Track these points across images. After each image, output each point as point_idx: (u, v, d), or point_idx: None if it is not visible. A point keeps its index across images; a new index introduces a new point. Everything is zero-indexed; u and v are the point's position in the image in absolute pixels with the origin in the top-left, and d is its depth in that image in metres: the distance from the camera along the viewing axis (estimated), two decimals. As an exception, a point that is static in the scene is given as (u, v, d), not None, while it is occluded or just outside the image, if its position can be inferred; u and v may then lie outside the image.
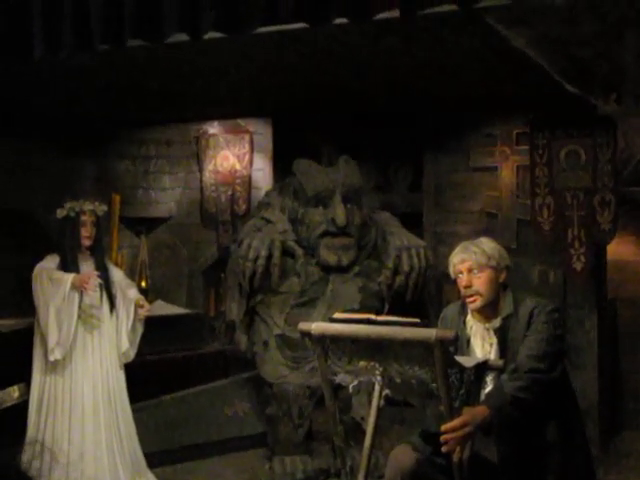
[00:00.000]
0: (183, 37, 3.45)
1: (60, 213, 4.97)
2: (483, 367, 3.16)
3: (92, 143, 7.30)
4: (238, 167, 7.37)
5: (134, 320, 5.06)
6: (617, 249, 6.20)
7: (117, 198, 6.46)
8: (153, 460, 5.24)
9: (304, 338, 3.18)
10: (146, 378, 5.72)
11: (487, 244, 3.42)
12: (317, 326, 3.11)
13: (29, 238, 6.17)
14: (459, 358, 3.13)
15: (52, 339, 4.75)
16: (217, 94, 6.09)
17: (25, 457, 4.28)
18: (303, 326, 3.14)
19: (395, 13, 3.22)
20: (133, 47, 3.62)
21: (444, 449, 2.96)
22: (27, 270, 4.91)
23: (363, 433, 3.58)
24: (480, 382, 3.16)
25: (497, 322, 3.33)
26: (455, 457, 2.96)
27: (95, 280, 4.85)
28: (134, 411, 5.15)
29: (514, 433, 3.13)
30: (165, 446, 5.62)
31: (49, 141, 6.71)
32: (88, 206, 4.99)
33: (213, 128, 7.40)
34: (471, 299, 3.34)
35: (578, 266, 5.68)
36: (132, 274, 6.86)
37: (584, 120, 5.62)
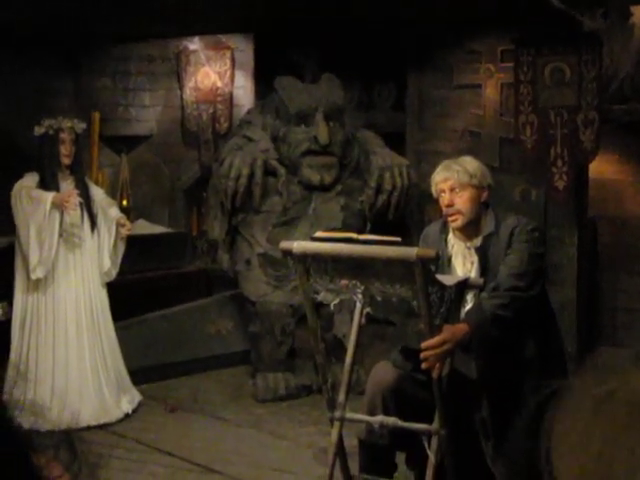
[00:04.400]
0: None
1: (38, 131, 4.89)
2: (463, 285, 3.18)
3: (69, 58, 7.13)
4: (219, 84, 7.24)
5: (116, 239, 5.04)
6: (599, 167, 6.20)
7: (96, 115, 6.38)
8: (137, 377, 5.29)
9: (286, 257, 3.18)
10: (129, 297, 5.74)
11: (469, 163, 3.41)
12: (299, 245, 3.11)
13: (7, 156, 6.07)
14: (440, 276, 3.15)
15: (34, 258, 4.74)
16: (197, 8, 5.95)
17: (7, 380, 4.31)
18: (285, 245, 3.14)
19: None
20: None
21: (424, 366, 3.01)
22: (7, 189, 4.86)
23: (344, 350, 3.63)
24: (460, 300, 3.18)
25: (478, 241, 3.34)
26: (434, 373, 3.00)
27: (75, 199, 4.80)
28: (117, 329, 5.18)
29: (493, 350, 3.17)
30: (149, 363, 5.68)
31: (21, 55, 6.51)
32: (67, 123, 4.91)
33: (193, 44, 7.24)
34: (453, 218, 3.34)
35: (560, 184, 5.68)
36: (113, 193, 6.80)
37: (570, 37, 5.54)
